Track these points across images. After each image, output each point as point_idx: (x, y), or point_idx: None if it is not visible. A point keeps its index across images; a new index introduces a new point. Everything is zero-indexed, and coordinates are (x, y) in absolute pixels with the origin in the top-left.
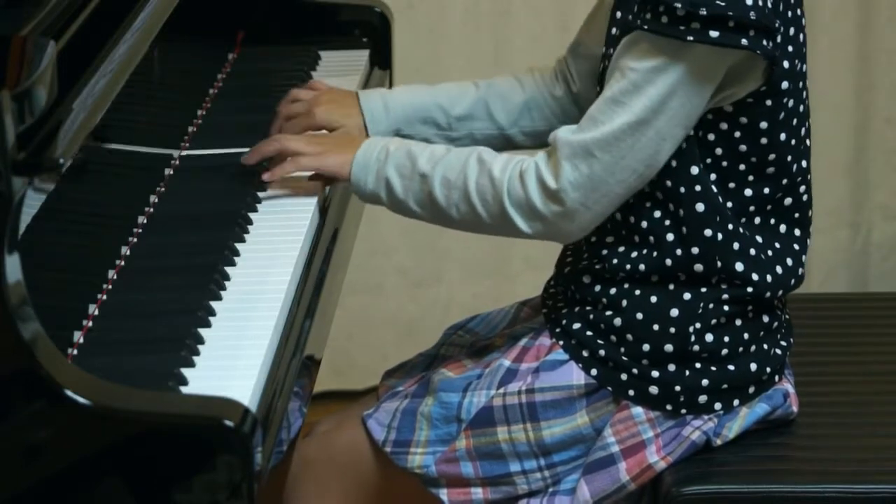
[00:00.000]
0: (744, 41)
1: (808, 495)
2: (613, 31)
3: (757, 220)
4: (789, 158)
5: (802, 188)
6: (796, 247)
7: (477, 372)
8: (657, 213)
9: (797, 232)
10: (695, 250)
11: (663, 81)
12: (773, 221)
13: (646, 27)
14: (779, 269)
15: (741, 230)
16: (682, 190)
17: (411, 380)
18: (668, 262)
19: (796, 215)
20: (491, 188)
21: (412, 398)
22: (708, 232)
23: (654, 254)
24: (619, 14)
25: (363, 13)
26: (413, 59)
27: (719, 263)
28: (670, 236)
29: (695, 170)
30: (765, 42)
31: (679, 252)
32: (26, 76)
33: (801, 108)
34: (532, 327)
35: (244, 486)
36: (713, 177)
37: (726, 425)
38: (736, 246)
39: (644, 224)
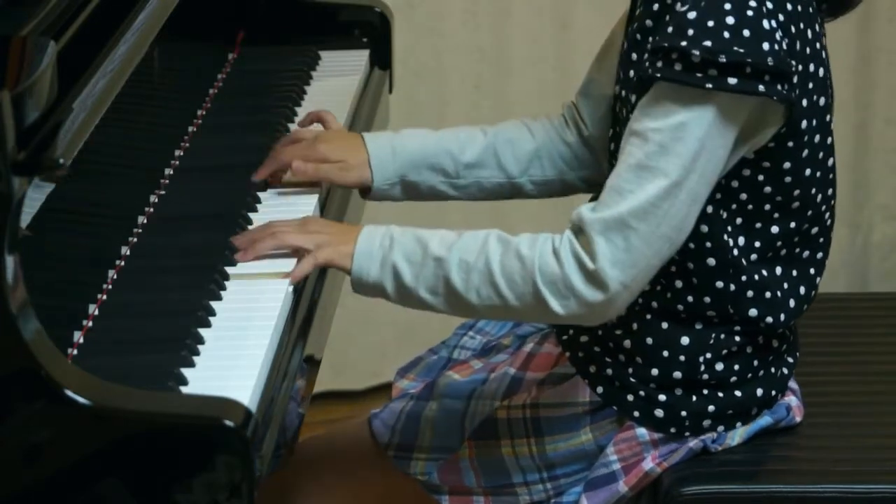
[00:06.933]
0: (760, 87)
1: (809, 495)
2: (630, 73)
3: (783, 253)
4: (814, 191)
5: (827, 214)
6: (812, 271)
7: (482, 377)
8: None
9: (819, 255)
10: (706, 299)
11: (691, 135)
12: (797, 251)
13: (659, 75)
14: (792, 303)
15: (756, 277)
16: (692, 246)
17: (421, 383)
18: (680, 306)
19: (821, 240)
20: (520, 267)
21: (417, 400)
22: (719, 284)
23: (668, 294)
24: (634, 56)
25: (363, 13)
26: (413, 59)
27: (731, 310)
28: (679, 283)
29: (704, 228)
30: (779, 86)
31: (690, 299)
32: (26, 76)
33: (829, 139)
34: (539, 327)
35: (244, 486)
36: (738, 220)
37: (728, 434)
38: (750, 294)
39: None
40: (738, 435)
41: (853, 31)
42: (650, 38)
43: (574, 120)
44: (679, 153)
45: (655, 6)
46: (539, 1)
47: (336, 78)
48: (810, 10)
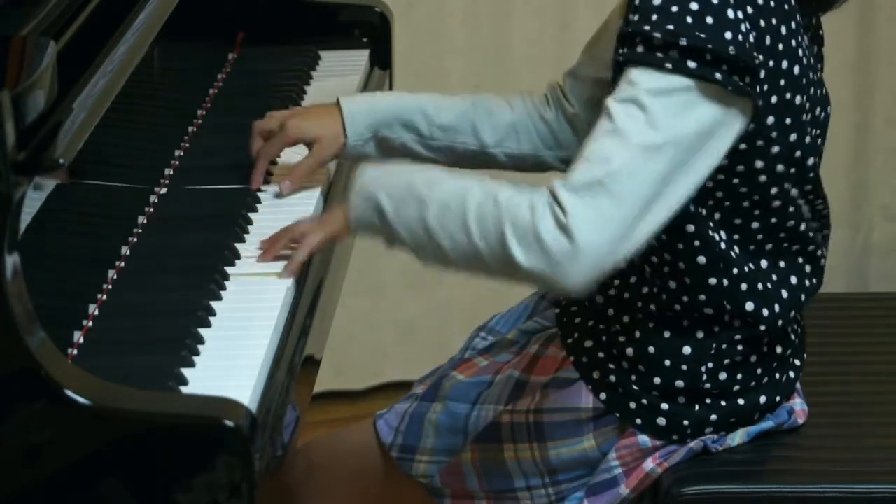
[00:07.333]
0: (717, 75)
1: (809, 495)
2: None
3: (768, 247)
4: (786, 186)
5: (806, 209)
6: (801, 260)
7: (487, 378)
8: (655, 259)
9: (810, 248)
10: (702, 297)
11: (651, 106)
12: (785, 245)
13: (621, 59)
14: (784, 293)
15: (746, 269)
16: (681, 246)
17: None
18: (677, 307)
19: (810, 234)
20: (494, 211)
21: (421, 401)
22: (713, 280)
23: (664, 297)
24: (621, 50)
25: (363, 13)
26: (413, 59)
27: (728, 306)
28: (673, 284)
29: (691, 227)
30: (736, 77)
31: (686, 299)
32: (26, 76)
33: (807, 138)
34: (545, 325)
35: (244, 486)
36: (717, 216)
37: (729, 434)
38: (744, 287)
39: (647, 270)
40: (738, 435)
41: (853, 31)
42: None
43: (557, 99)
44: (642, 119)
45: (637, 0)
46: (539, 1)
47: (336, 78)
48: (786, 6)
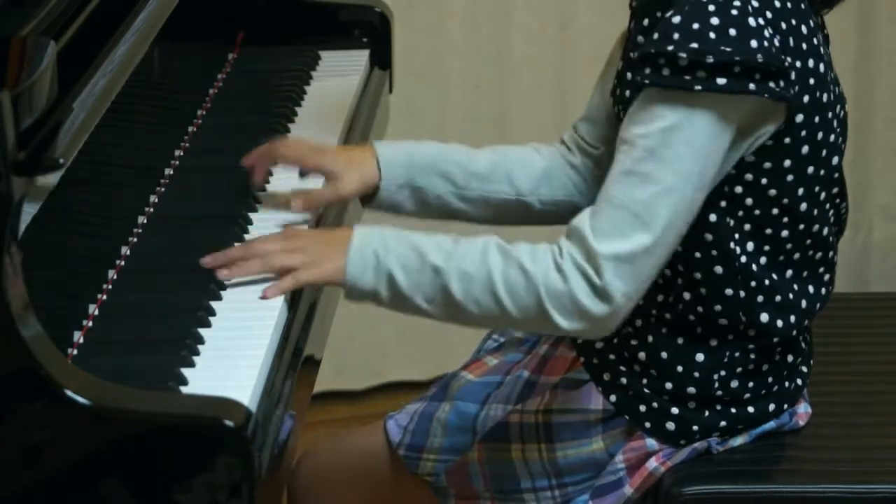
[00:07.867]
0: (751, 86)
1: (809, 495)
2: (627, 93)
3: (796, 257)
4: (817, 189)
5: (831, 212)
6: (822, 269)
7: (497, 379)
8: (668, 272)
9: (830, 254)
10: (717, 308)
11: (680, 139)
12: (810, 253)
13: (647, 81)
14: (803, 303)
15: (766, 282)
16: (698, 255)
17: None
18: (692, 317)
19: (830, 240)
20: (523, 281)
21: (431, 401)
22: (729, 291)
23: (680, 306)
24: (629, 76)
25: (363, 13)
26: (413, 59)
27: (743, 318)
28: (687, 295)
29: (708, 237)
30: (772, 83)
31: (701, 309)
32: (26, 76)
33: (832, 136)
34: None
35: (244, 486)
36: (747, 227)
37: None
38: (760, 298)
39: (661, 281)
40: (739, 436)
41: (853, 31)
42: None
43: (577, 144)
44: (669, 158)
45: (646, 21)
46: (539, 1)
47: (336, 78)
48: (802, 6)
